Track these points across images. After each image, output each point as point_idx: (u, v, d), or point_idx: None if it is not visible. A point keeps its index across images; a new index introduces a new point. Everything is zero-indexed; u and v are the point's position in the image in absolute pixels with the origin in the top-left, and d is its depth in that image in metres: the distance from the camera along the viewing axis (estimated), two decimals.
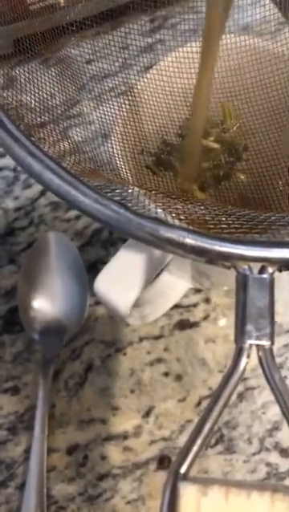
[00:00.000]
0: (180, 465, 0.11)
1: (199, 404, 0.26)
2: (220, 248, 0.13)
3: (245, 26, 0.25)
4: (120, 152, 0.20)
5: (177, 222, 0.14)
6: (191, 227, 0.13)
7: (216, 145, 0.22)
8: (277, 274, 0.13)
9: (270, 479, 0.25)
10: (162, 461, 0.25)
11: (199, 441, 0.12)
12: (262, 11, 0.25)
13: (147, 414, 0.26)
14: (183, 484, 0.11)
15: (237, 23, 0.25)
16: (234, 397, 0.26)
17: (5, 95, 0.20)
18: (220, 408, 0.12)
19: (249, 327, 0.13)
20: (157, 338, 0.27)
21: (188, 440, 0.12)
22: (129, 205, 0.13)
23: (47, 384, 0.26)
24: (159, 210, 0.14)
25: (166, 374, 0.27)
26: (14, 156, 0.13)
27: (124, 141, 0.21)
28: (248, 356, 0.13)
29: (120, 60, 0.27)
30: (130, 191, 0.15)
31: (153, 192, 0.16)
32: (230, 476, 0.25)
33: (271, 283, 0.13)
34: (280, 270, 0.13)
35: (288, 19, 0.23)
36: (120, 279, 0.18)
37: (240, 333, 0.13)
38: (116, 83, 0.26)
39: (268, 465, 0.25)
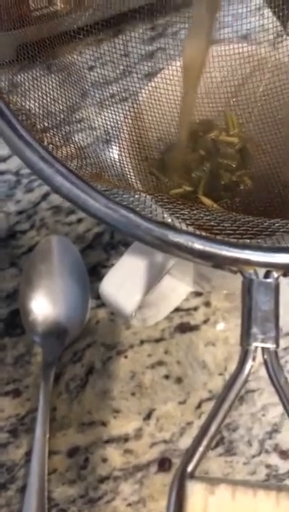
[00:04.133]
0: (187, 463, 0.11)
1: (199, 406, 0.26)
2: (227, 253, 0.13)
3: (244, 35, 0.26)
4: (126, 158, 0.20)
5: (184, 227, 0.14)
6: (198, 232, 0.13)
7: (201, 152, 0.23)
8: (280, 280, 0.14)
9: (270, 481, 0.25)
10: (163, 464, 0.25)
11: (205, 441, 0.12)
12: (260, 19, 0.25)
13: (148, 416, 0.26)
14: (190, 482, 0.11)
15: (236, 31, 0.26)
16: None
17: (13, 100, 0.20)
18: (226, 409, 0.12)
19: (254, 330, 0.13)
20: (158, 341, 0.28)
21: (194, 440, 0.12)
22: (137, 209, 0.14)
23: (48, 386, 0.26)
24: (166, 215, 0.14)
25: (167, 377, 0.27)
26: (25, 161, 0.13)
27: (130, 148, 0.21)
28: (253, 359, 0.13)
29: (122, 67, 0.27)
30: (137, 196, 0.15)
31: (159, 197, 0.16)
32: (231, 477, 0.25)
33: (276, 287, 0.13)
34: (285, 275, 0.13)
35: (287, 29, 0.23)
36: (126, 282, 0.18)
37: (246, 335, 0.13)
38: (118, 89, 0.27)
39: (268, 466, 0.25)
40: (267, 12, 0.26)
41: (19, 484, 0.25)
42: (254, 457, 0.25)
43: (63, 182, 0.13)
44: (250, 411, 0.26)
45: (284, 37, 0.24)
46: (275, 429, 0.26)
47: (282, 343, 0.28)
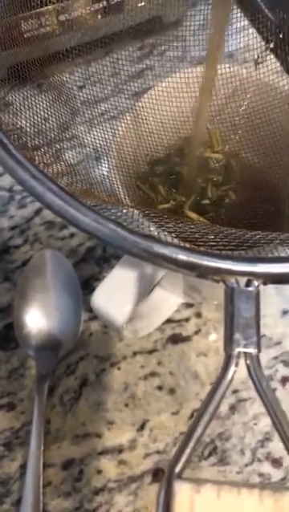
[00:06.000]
0: (174, 464, 0.12)
1: (192, 416, 0.27)
2: (209, 263, 0.14)
3: (229, 55, 0.27)
4: (114, 174, 0.21)
5: (169, 239, 0.15)
6: (182, 244, 0.14)
7: (187, 168, 0.23)
8: (265, 289, 0.14)
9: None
10: (157, 474, 0.26)
11: (191, 444, 0.12)
12: (245, 40, 0.27)
13: (141, 427, 0.26)
14: (177, 482, 0.11)
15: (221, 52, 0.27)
16: (226, 409, 0.27)
17: (4, 119, 0.21)
18: (211, 412, 0.13)
19: (237, 336, 0.13)
20: (151, 352, 0.28)
21: (181, 443, 0.12)
22: (124, 223, 0.14)
23: (42, 399, 0.26)
24: (152, 228, 0.15)
25: (160, 387, 0.27)
26: (17, 179, 0.14)
27: (118, 164, 0.22)
28: (236, 364, 0.14)
29: (111, 86, 0.28)
30: (124, 211, 0.16)
31: (146, 211, 0.17)
32: None
33: (257, 295, 0.14)
34: (265, 284, 0.14)
35: (268, 50, 0.24)
36: (116, 294, 0.19)
37: (229, 341, 0.13)
38: (108, 107, 0.28)
39: (261, 475, 0.26)
40: (252, 32, 0.27)
41: (14, 497, 0.25)
42: (246, 465, 0.26)
43: (53, 199, 0.14)
44: (242, 420, 0.27)
45: (266, 57, 0.26)
46: (267, 438, 0.26)
47: (272, 352, 0.28)
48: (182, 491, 0.11)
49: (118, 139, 0.22)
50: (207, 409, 0.13)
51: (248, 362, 0.13)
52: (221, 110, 0.24)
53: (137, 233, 0.14)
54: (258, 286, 0.14)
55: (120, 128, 0.23)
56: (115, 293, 0.19)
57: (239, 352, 0.13)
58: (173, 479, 0.11)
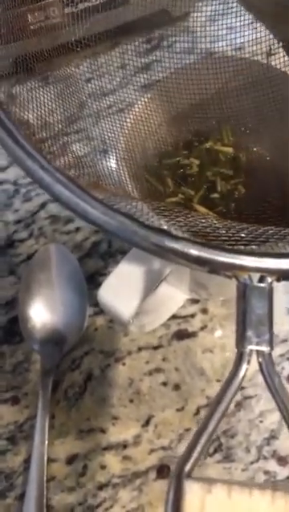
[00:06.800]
0: (184, 463, 0.12)
1: (197, 413, 0.27)
2: (222, 258, 0.13)
3: (238, 47, 0.26)
4: (122, 167, 0.20)
5: (180, 234, 0.14)
6: (194, 238, 0.14)
7: (196, 161, 0.23)
8: (274, 285, 0.14)
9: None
10: (161, 470, 0.25)
11: (202, 441, 0.12)
12: (254, 33, 0.26)
13: (146, 423, 0.26)
14: (188, 481, 0.11)
15: (230, 45, 0.26)
16: (232, 406, 0.26)
17: (13, 111, 0.21)
18: (222, 410, 0.13)
19: (249, 333, 0.13)
20: (156, 348, 0.28)
21: (191, 440, 0.12)
22: (135, 216, 0.14)
23: (47, 393, 0.26)
24: (162, 222, 0.15)
25: (165, 383, 0.27)
26: (26, 170, 0.14)
27: (127, 157, 0.21)
28: (248, 362, 0.13)
29: (118, 79, 0.28)
30: (134, 204, 0.16)
31: (156, 205, 0.17)
32: None
33: (270, 292, 0.14)
34: (278, 280, 0.14)
35: (279, 43, 0.24)
36: (123, 289, 0.18)
37: (241, 339, 0.13)
38: (115, 100, 0.27)
39: (266, 473, 0.25)
40: (260, 25, 0.26)
41: (18, 492, 0.25)
42: (252, 463, 0.26)
43: (62, 190, 0.14)
44: (247, 417, 0.26)
45: (276, 50, 0.25)
46: (273, 435, 0.26)
47: (278, 350, 0.28)
48: (193, 491, 0.11)
49: (126, 131, 0.22)
50: (218, 407, 0.12)
51: (260, 360, 0.13)
52: (232, 103, 0.23)
53: (148, 226, 0.13)
54: (271, 283, 0.13)
55: (128, 120, 0.22)
56: (121, 288, 0.19)
57: (251, 350, 0.13)
58: (183, 478, 0.11)
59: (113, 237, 0.14)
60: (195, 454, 0.12)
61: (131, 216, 0.13)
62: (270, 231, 0.15)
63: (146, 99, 0.23)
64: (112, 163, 0.22)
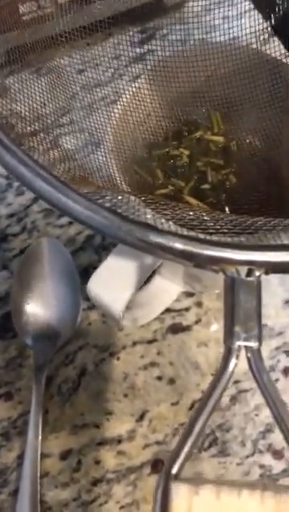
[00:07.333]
0: (171, 465, 0.11)
1: (192, 407, 0.26)
2: (208, 252, 0.13)
3: (232, 37, 0.26)
4: (111, 159, 0.20)
5: (166, 227, 0.14)
6: (180, 232, 0.13)
7: (186, 152, 0.23)
8: (267, 278, 0.14)
9: (263, 481, 0.25)
10: (156, 465, 0.25)
11: (190, 442, 0.12)
12: (249, 21, 0.26)
13: (140, 418, 0.26)
14: (175, 484, 0.11)
15: (226, 32, 0.26)
16: (227, 400, 0.26)
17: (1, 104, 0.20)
18: (210, 408, 0.12)
19: (237, 329, 0.13)
20: (150, 342, 0.28)
21: (179, 441, 0.12)
22: (119, 211, 0.14)
23: (40, 389, 0.26)
24: (148, 216, 0.14)
25: (159, 378, 0.27)
26: (5, 165, 0.13)
27: (115, 148, 0.21)
28: (237, 357, 0.13)
29: (111, 70, 0.27)
30: (120, 197, 0.15)
31: (143, 198, 0.16)
32: (224, 479, 0.25)
33: (258, 286, 0.13)
34: (267, 273, 0.13)
35: (272, 31, 0.23)
36: (113, 281, 0.18)
37: (229, 334, 0.13)
38: (107, 92, 0.27)
39: (261, 466, 0.25)
40: (255, 14, 0.26)
41: (11, 487, 0.25)
42: (247, 457, 0.25)
43: (43, 185, 0.13)
44: (243, 411, 0.26)
45: (269, 38, 0.24)
46: (268, 429, 0.26)
47: (274, 342, 0.28)
48: (180, 493, 0.11)
49: (114, 122, 0.22)
50: (207, 404, 0.12)
51: (249, 355, 0.13)
52: (222, 90, 0.23)
53: (132, 220, 0.13)
54: (259, 276, 0.13)
55: (115, 111, 0.22)
56: (112, 280, 0.18)
57: (239, 346, 0.13)
58: (170, 480, 0.11)
59: (97, 232, 0.13)
60: (182, 455, 0.11)
61: (114, 211, 0.13)
62: (259, 222, 0.15)
63: (134, 89, 0.23)
64: (101, 156, 0.21)
